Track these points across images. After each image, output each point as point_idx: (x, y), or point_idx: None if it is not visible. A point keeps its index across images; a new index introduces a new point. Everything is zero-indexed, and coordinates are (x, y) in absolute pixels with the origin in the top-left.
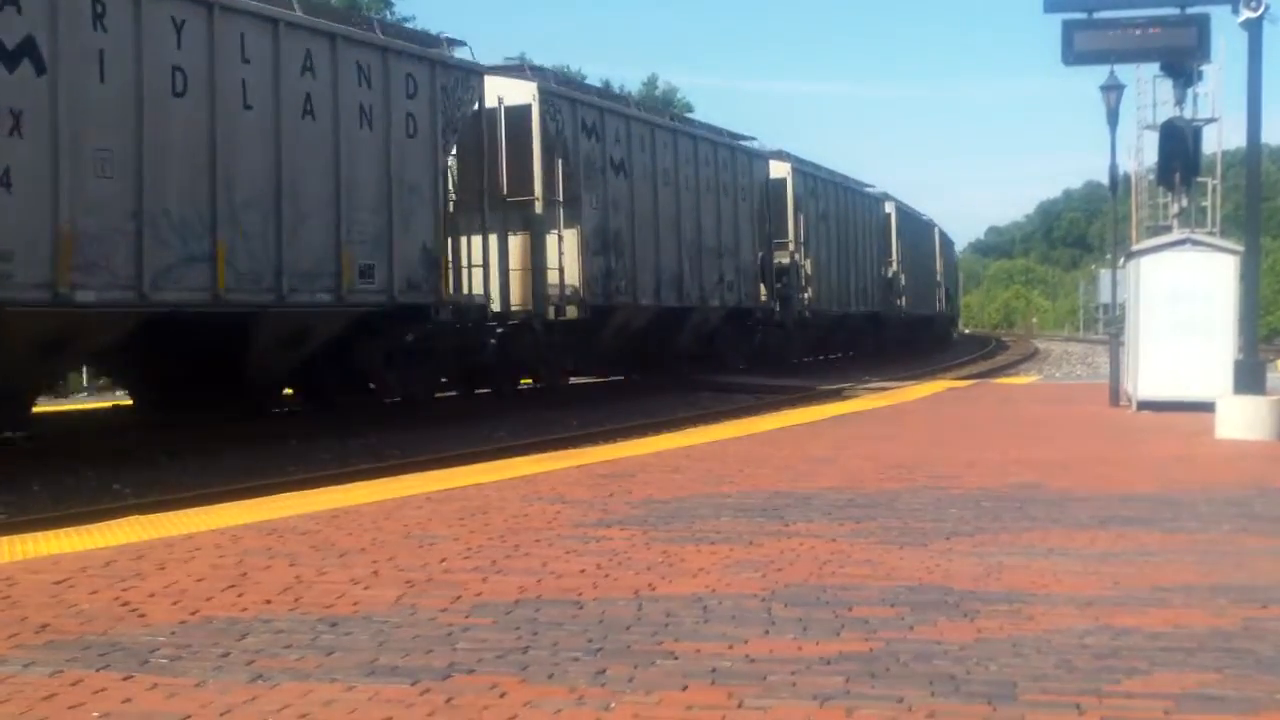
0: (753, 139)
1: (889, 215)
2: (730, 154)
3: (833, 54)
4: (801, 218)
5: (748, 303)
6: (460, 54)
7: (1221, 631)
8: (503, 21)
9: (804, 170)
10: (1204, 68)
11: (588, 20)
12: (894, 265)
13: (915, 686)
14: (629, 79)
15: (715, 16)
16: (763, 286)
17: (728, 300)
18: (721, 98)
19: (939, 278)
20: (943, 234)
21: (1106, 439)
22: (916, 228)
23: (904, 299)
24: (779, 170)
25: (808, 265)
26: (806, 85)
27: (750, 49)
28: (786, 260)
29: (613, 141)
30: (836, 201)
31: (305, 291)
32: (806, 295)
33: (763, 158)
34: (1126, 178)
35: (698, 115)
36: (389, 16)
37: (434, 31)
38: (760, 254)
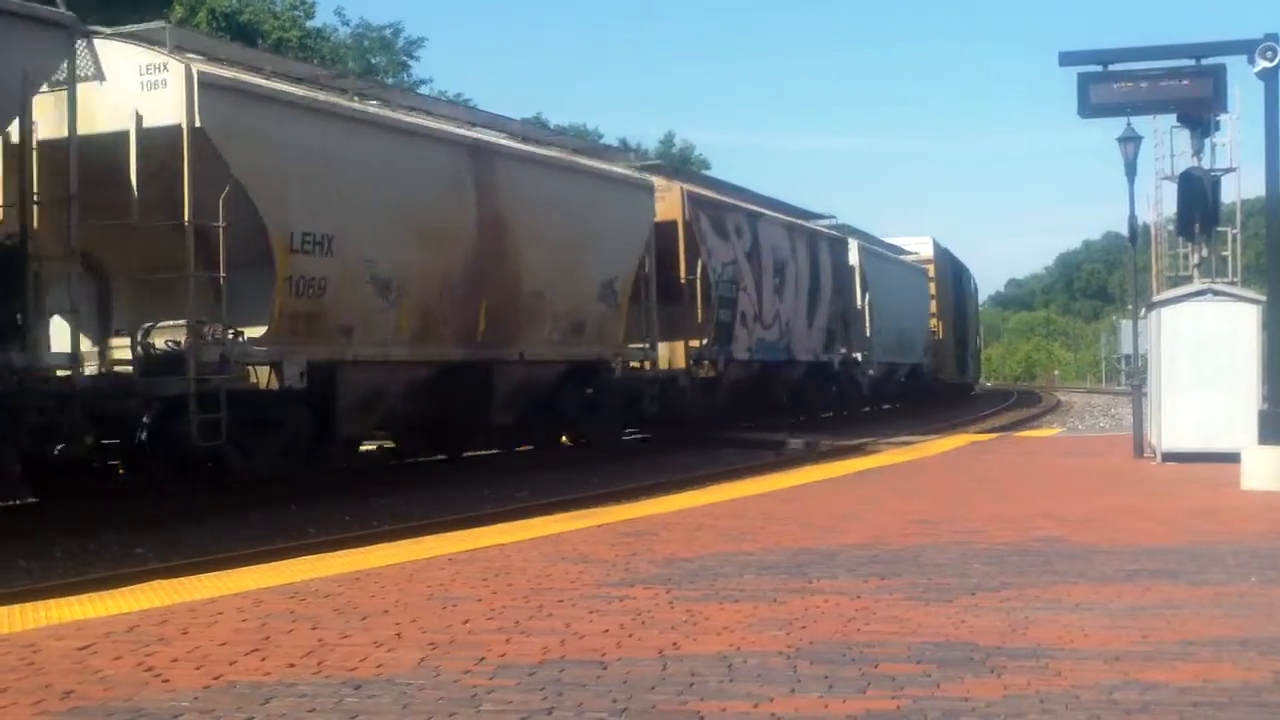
0: None
1: (646, 207)
2: None
3: (849, 109)
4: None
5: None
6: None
7: (1252, 685)
8: (516, 78)
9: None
10: (1221, 118)
11: (604, 77)
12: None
13: None
14: (646, 136)
15: (735, 75)
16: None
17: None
18: (740, 154)
19: (860, 306)
20: (880, 250)
21: (1131, 491)
22: (791, 242)
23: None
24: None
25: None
26: (823, 140)
27: (768, 106)
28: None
29: None
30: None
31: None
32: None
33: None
34: (1146, 228)
35: (715, 172)
36: (405, 80)
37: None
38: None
